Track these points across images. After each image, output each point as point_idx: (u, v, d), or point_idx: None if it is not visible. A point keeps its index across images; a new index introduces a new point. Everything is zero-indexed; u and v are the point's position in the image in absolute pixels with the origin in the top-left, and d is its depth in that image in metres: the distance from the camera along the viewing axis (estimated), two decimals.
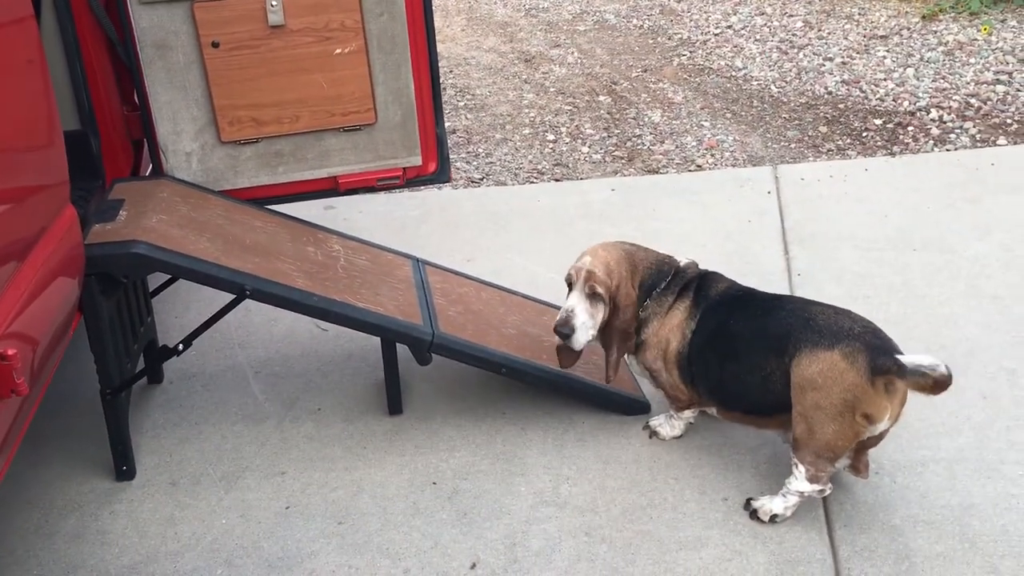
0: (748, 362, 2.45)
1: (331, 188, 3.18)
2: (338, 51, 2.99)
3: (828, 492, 2.40)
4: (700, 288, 2.61)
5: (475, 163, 4.97)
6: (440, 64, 3.31)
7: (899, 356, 2.24)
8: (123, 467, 2.70)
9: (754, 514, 2.44)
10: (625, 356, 2.70)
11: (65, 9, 2.81)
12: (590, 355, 2.98)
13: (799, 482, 2.37)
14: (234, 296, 2.59)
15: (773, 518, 2.41)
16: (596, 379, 2.86)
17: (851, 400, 2.25)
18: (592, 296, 2.57)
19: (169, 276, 3.02)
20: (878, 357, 2.24)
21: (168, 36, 2.90)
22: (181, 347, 2.68)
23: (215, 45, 2.91)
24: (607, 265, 2.59)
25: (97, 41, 2.96)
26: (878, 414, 2.27)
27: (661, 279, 2.62)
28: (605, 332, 2.62)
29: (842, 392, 2.25)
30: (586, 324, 2.58)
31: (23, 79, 2.09)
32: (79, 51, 2.87)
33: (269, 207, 3.14)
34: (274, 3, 2.88)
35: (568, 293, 2.61)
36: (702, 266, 2.70)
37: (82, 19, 2.89)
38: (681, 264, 2.66)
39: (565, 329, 2.58)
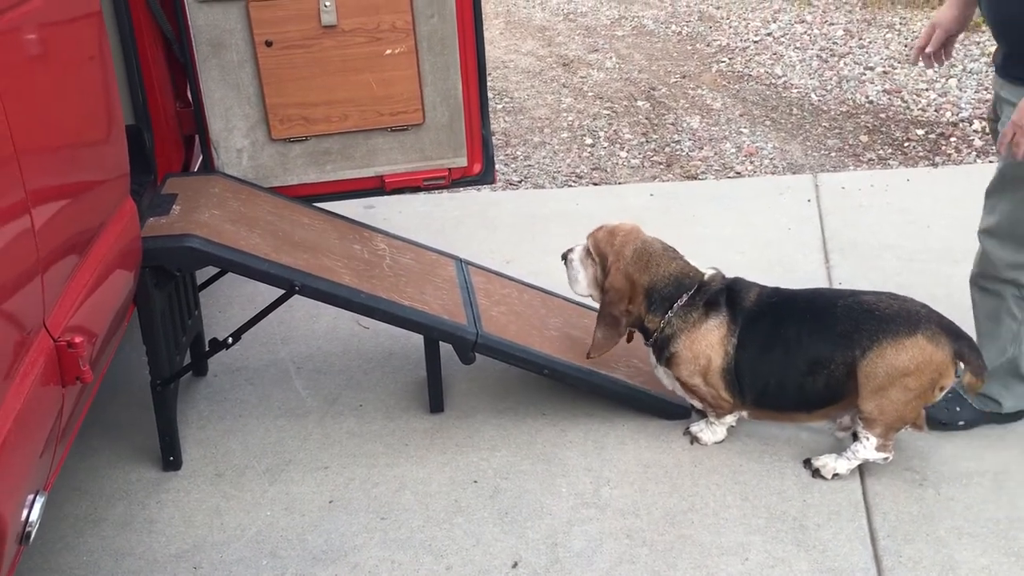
0: (810, 364, 2.50)
1: (377, 187, 3.21)
2: (388, 52, 3.02)
3: (891, 459, 2.54)
4: (732, 300, 2.60)
5: (513, 166, 4.99)
6: None
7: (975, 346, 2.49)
8: (170, 457, 2.74)
9: (816, 472, 2.58)
10: (658, 367, 2.72)
11: (123, 6, 2.87)
12: (631, 358, 2.99)
13: (867, 451, 2.53)
14: (283, 291, 2.63)
15: (835, 476, 2.56)
16: (638, 382, 2.87)
17: (937, 378, 2.45)
18: (586, 251, 2.78)
19: (216, 271, 3.07)
20: (957, 340, 2.44)
21: (223, 34, 2.94)
22: (231, 340, 2.72)
23: (268, 44, 2.95)
24: (610, 238, 2.72)
25: (153, 38, 3.01)
26: (949, 382, 2.49)
27: (681, 292, 2.61)
28: (600, 308, 2.74)
29: (931, 373, 2.43)
30: (574, 261, 2.79)
31: (93, 73, 2.14)
32: (136, 47, 2.92)
33: (316, 204, 3.17)
34: (327, 3, 2.92)
35: None
36: (741, 273, 2.70)
37: (139, 16, 2.94)
38: (705, 276, 2.64)
39: (567, 252, 2.84)
